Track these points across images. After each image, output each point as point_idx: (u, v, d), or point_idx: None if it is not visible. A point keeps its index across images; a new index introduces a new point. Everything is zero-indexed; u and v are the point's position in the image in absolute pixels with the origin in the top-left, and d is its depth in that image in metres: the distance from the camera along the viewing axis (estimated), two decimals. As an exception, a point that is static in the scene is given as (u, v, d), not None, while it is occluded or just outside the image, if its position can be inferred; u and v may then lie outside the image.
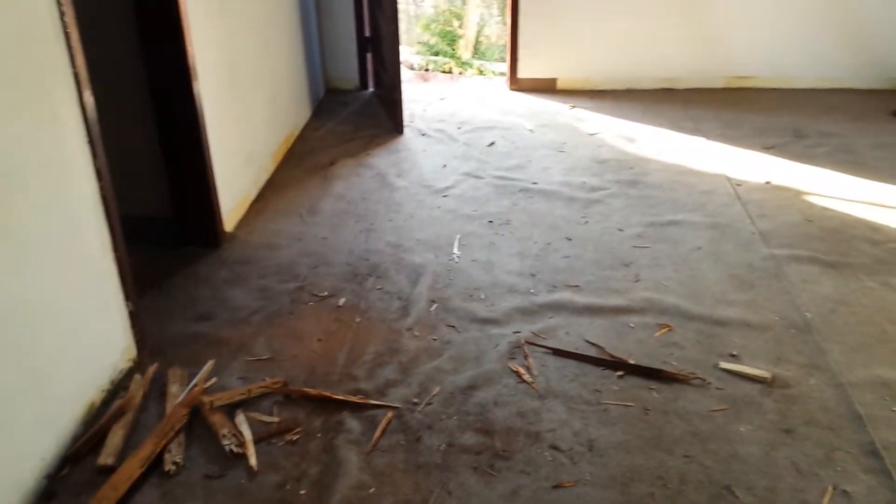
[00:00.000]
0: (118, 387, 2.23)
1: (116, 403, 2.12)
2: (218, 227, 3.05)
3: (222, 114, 3.11)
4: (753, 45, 4.78)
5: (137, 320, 2.36)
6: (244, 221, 3.31)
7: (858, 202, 3.36)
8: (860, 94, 4.78)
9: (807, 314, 2.54)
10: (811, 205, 3.36)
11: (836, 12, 4.62)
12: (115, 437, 2.01)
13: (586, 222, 3.27)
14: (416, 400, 2.18)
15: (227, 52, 3.20)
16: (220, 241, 3.06)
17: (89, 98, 2.09)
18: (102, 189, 2.15)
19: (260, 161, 3.63)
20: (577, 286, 2.76)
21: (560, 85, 5.03)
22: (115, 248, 2.23)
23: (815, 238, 3.05)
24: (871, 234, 3.08)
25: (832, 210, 3.29)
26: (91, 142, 2.10)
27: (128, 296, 2.31)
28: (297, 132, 4.30)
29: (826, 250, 2.95)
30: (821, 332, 2.44)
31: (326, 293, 2.74)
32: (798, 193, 3.47)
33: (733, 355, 2.34)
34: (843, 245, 2.99)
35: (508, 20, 4.90)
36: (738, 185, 3.58)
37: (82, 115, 2.07)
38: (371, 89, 5.08)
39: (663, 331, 2.48)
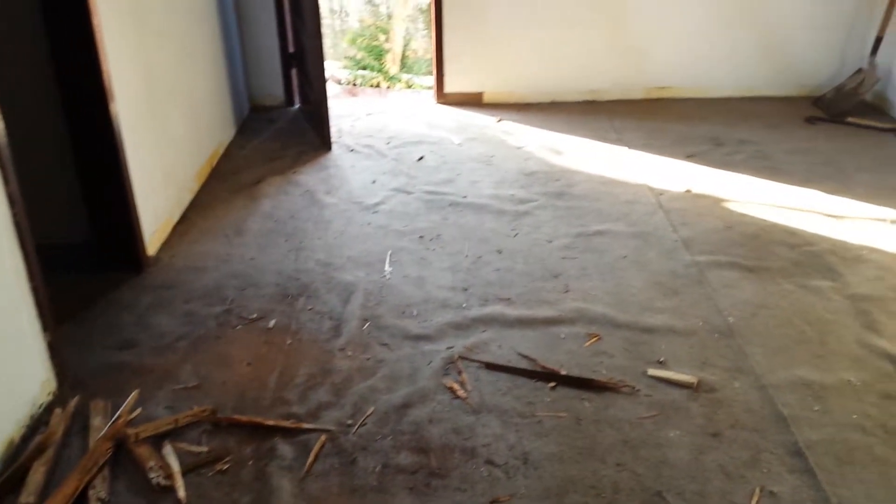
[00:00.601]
0: (38, 422, 2.13)
1: (37, 439, 2.03)
2: (140, 251, 2.95)
3: (141, 134, 3.03)
4: (672, 57, 4.93)
5: (57, 351, 2.26)
6: (168, 244, 3.21)
7: (775, 207, 3.49)
8: (775, 101, 4.98)
9: (729, 319, 2.62)
10: (730, 211, 3.47)
11: (751, 24, 4.81)
12: (37, 475, 1.92)
13: (516, 235, 3.30)
14: (349, 422, 2.15)
15: (145, 71, 3.11)
16: (142, 266, 2.97)
17: (-2, 124, 2.00)
18: (16, 215, 2.06)
19: (183, 181, 3.54)
20: (508, 299, 2.78)
21: (487, 98, 5.08)
22: (31, 277, 2.13)
23: (734, 244, 3.15)
24: (787, 237, 3.20)
25: (750, 216, 3.41)
26: (2, 166, 2.01)
27: (46, 326, 2.21)
28: (221, 150, 4.22)
29: (745, 255, 3.05)
30: (743, 336, 2.52)
31: (255, 315, 2.68)
32: (717, 200, 3.59)
33: (660, 362, 2.39)
34: (761, 250, 3.10)
35: (433, 36, 4.93)
36: (660, 193, 3.68)
37: (-10, 142, 1.98)
38: (297, 105, 5.03)
39: (593, 340, 2.51)
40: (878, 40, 4.56)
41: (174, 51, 3.51)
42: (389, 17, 8.21)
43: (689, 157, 4.11)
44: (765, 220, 3.36)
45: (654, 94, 5.04)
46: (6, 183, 2.03)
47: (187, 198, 3.58)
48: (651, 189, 3.74)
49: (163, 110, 3.31)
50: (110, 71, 2.69)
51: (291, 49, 4.85)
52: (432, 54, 5.04)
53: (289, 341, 2.53)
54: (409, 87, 7.86)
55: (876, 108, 4.73)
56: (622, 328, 2.58)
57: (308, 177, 3.94)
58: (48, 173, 2.88)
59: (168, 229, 3.29)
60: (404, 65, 8.35)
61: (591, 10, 4.77)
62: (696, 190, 3.71)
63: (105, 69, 2.66)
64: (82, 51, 2.62)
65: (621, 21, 4.81)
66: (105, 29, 2.65)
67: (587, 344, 2.50)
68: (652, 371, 2.34)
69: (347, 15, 8.69)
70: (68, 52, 2.65)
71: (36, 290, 2.16)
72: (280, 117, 4.87)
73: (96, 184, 2.87)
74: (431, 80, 5.14)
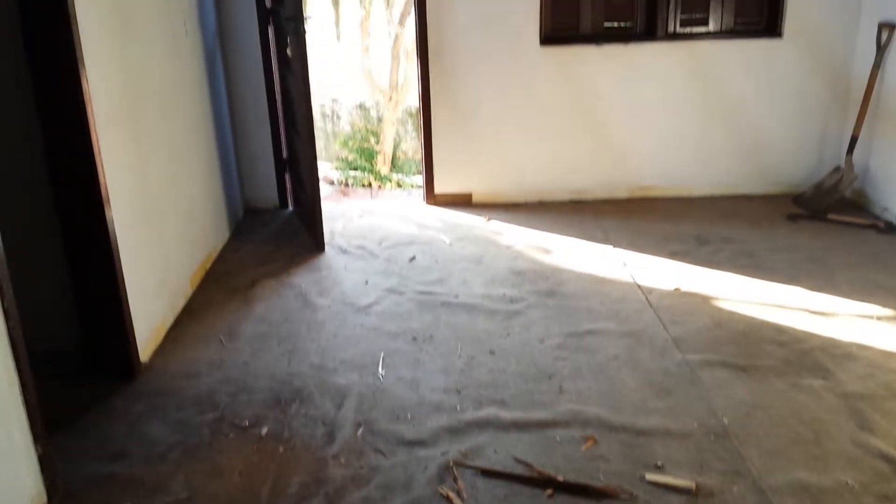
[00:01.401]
0: (23, 540, 2.07)
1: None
2: (133, 359, 2.95)
3: (136, 239, 3.07)
4: (654, 158, 5.09)
5: (48, 464, 2.22)
6: (161, 350, 3.21)
7: (762, 304, 3.54)
8: (756, 199, 5.12)
9: (724, 419, 2.62)
10: (719, 309, 3.52)
11: (728, 126, 5.00)
12: None
13: (508, 335, 3.32)
14: (344, 534, 2.11)
15: (141, 177, 3.19)
16: (135, 373, 2.95)
17: (-4, 234, 2.04)
18: (11, 329, 2.07)
19: (177, 285, 3.57)
20: (502, 401, 2.77)
21: (476, 199, 5.19)
22: (25, 390, 2.12)
23: (725, 342, 3.18)
24: (776, 335, 3.24)
25: (739, 314, 3.46)
26: (-2, 280, 2.04)
27: (37, 438, 2.18)
28: (215, 254, 4.27)
29: (736, 354, 3.08)
30: (738, 438, 2.52)
31: (248, 423, 2.66)
32: (706, 298, 3.64)
33: (658, 466, 2.38)
34: (751, 348, 3.13)
35: (422, 140, 5.09)
36: (649, 292, 3.73)
37: (-11, 250, 2.01)
38: (290, 208, 5.13)
39: (589, 443, 2.50)
40: (854, 139, 4.74)
41: (170, 157, 3.60)
42: (380, 120, 8.48)
43: (675, 255, 4.19)
44: (753, 318, 3.41)
45: (639, 194, 5.18)
46: (2, 297, 2.05)
47: (181, 302, 3.60)
48: (640, 287, 3.79)
49: (158, 215, 3.38)
50: (107, 178, 2.75)
51: (285, 154, 4.99)
52: (421, 158, 5.18)
53: (281, 449, 2.50)
54: (400, 186, 8.04)
55: (855, 205, 4.87)
56: (617, 430, 2.57)
57: (301, 279, 3.98)
58: (40, 278, 2.91)
59: (161, 335, 3.29)
60: (394, 165, 8.57)
61: (574, 115, 4.96)
62: (684, 288, 3.76)
63: (102, 177, 2.71)
64: (80, 159, 2.68)
65: (604, 124, 4.99)
66: (102, 139, 2.73)
67: (583, 447, 2.48)
68: (650, 476, 2.32)
69: (339, 118, 8.97)
70: (66, 160, 2.71)
71: (28, 402, 2.15)
72: (274, 220, 4.95)
73: (90, 290, 2.89)
74: (421, 180, 5.27)
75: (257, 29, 4.65)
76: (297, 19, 3.78)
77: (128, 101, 3.08)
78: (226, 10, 4.61)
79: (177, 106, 3.74)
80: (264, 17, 4.61)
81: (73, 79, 2.61)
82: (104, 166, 2.74)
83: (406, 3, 7.63)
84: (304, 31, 3.79)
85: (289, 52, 4.06)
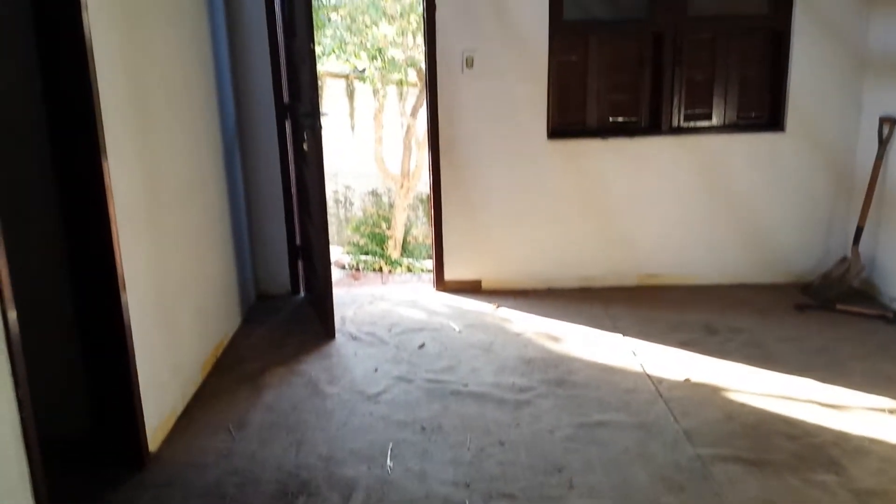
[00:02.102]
0: None
1: None
2: (142, 448, 2.95)
3: (150, 326, 3.13)
4: (661, 247, 5.16)
5: (53, 556, 2.21)
6: (170, 438, 3.21)
7: (772, 396, 3.53)
8: (763, 288, 5.14)
9: (736, 516, 2.58)
10: (729, 401, 3.50)
11: (736, 214, 5.08)
12: None
13: (518, 425, 3.30)
14: None
15: (158, 264, 3.27)
16: (143, 463, 2.95)
17: (13, 317, 2.06)
18: (24, 420, 2.10)
19: (188, 373, 3.60)
20: (511, 495, 2.75)
21: (485, 285, 5.25)
22: (34, 482, 2.13)
23: (736, 435, 3.16)
24: (787, 429, 3.21)
25: (749, 406, 3.44)
26: (14, 369, 2.07)
27: (45, 532, 2.18)
28: (227, 340, 4.31)
29: (748, 448, 3.05)
30: (752, 536, 2.48)
31: (255, 515, 2.64)
32: (716, 389, 3.63)
33: (670, 565, 2.34)
34: (763, 441, 3.10)
35: (432, 228, 5.19)
36: (660, 382, 3.72)
37: (5, 337, 2.04)
38: (302, 294, 5.19)
39: (600, 541, 2.46)
40: (860, 230, 4.80)
41: (186, 246, 3.69)
42: (391, 206, 8.66)
43: (684, 344, 4.20)
44: (764, 411, 3.39)
45: (647, 282, 5.22)
46: (17, 386, 2.08)
47: (191, 390, 3.62)
48: (650, 377, 3.79)
49: (172, 303, 3.44)
50: (124, 266, 2.82)
51: (298, 241, 5.09)
52: (431, 245, 5.27)
53: (288, 544, 2.48)
54: (410, 271, 8.13)
55: (864, 295, 4.89)
56: (628, 527, 2.53)
57: (311, 366, 4.00)
58: (51, 362, 2.94)
59: (171, 424, 3.30)
60: (405, 249, 8.70)
61: (582, 204, 5.06)
62: (694, 378, 3.76)
63: (119, 265, 2.78)
64: (98, 247, 2.76)
65: (612, 214, 5.09)
66: (121, 228, 2.82)
67: (593, 545, 2.44)
68: (661, 576, 2.28)
69: (352, 204, 9.17)
70: (84, 247, 2.79)
71: (37, 492, 2.15)
72: (286, 306, 5.01)
73: (102, 377, 2.92)
74: (431, 264, 5.34)
75: (275, 123, 4.82)
76: (314, 116, 3.93)
77: (147, 193, 3.19)
78: (245, 105, 4.80)
79: (195, 196, 3.86)
80: (282, 112, 4.79)
81: (96, 171, 2.72)
82: (122, 254, 2.82)
83: (418, 97, 7.90)
84: (321, 127, 3.93)
85: (305, 146, 4.20)
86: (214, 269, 4.18)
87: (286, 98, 4.77)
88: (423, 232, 8.84)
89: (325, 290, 4.33)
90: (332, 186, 9.12)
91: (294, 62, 4.42)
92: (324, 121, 4.03)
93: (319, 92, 4.64)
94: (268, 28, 4.65)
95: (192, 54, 3.90)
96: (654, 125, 5.02)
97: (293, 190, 4.97)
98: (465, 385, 3.74)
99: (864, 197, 4.76)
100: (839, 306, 4.65)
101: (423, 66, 5.03)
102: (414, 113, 7.94)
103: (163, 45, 3.46)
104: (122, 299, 2.83)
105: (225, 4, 4.55)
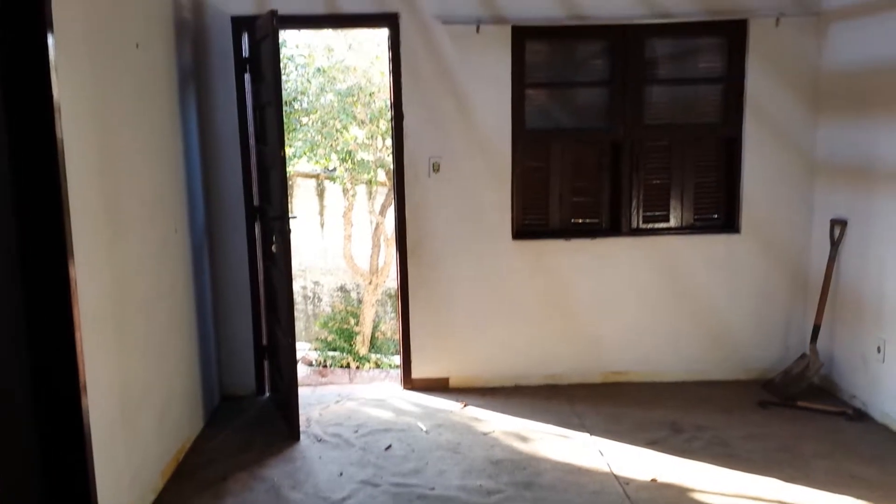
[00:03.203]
0: None
1: None
2: (96, 562, 2.85)
3: (110, 431, 3.08)
4: (626, 343, 5.24)
5: None
6: (126, 550, 3.11)
7: (738, 497, 3.54)
8: (726, 385, 5.21)
9: None
10: (696, 501, 3.50)
11: (697, 313, 5.20)
12: None
13: (484, 531, 3.26)
14: None
15: (120, 367, 3.24)
16: (97, 578, 2.85)
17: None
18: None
19: (147, 479, 3.52)
20: None
21: (452, 383, 5.25)
22: None
23: (702, 538, 3.15)
24: (753, 531, 3.21)
25: (715, 507, 3.44)
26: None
27: None
28: (189, 444, 4.23)
29: (714, 551, 3.04)
30: None
31: None
32: (682, 490, 3.63)
33: None
34: (729, 545, 3.10)
35: (399, 326, 5.22)
36: (626, 483, 3.72)
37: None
38: (268, 394, 5.14)
39: None
40: (816, 328, 4.93)
41: (151, 350, 3.68)
42: (360, 302, 8.70)
43: (651, 444, 4.22)
44: (730, 512, 3.39)
45: (612, 379, 5.27)
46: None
47: (150, 498, 3.53)
48: (617, 478, 3.78)
49: (134, 406, 3.39)
50: (86, 369, 2.80)
51: (265, 341, 5.07)
52: (399, 344, 5.29)
53: None
54: (378, 366, 8.09)
55: (824, 392, 4.98)
56: None
57: (275, 470, 3.93)
58: (6, 467, 2.86)
59: (127, 534, 3.20)
60: (373, 345, 8.67)
61: (547, 303, 5.16)
62: (661, 479, 3.76)
63: (81, 369, 2.76)
64: (62, 351, 2.74)
65: (576, 312, 5.18)
66: (85, 331, 2.81)
67: None
68: None
69: (321, 300, 9.18)
70: (47, 349, 2.77)
71: None
72: (250, 406, 4.95)
73: (58, 482, 2.84)
74: (399, 360, 5.34)
75: (245, 224, 4.89)
76: (283, 219, 4.02)
77: (114, 297, 3.20)
78: (215, 207, 4.88)
79: (162, 300, 3.87)
80: (252, 214, 4.87)
81: (63, 275, 2.74)
82: (85, 358, 2.80)
83: (387, 195, 8.07)
84: (289, 231, 4.01)
85: (273, 248, 4.27)
86: (179, 372, 4.14)
87: (256, 200, 4.86)
88: (391, 327, 8.84)
89: (289, 392, 4.31)
90: (301, 282, 9.15)
91: (265, 166, 4.54)
92: (293, 223, 4.12)
93: (290, 192, 4.73)
94: (240, 133, 4.78)
95: (164, 158, 4.00)
96: (615, 227, 5.19)
97: (261, 290, 5.00)
98: (432, 489, 3.70)
99: (819, 296, 4.92)
100: (800, 403, 4.73)
101: (392, 168, 5.18)
102: (383, 211, 8.11)
103: (135, 150, 3.55)
104: (83, 403, 2.80)
105: (198, 110, 4.69)
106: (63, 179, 2.72)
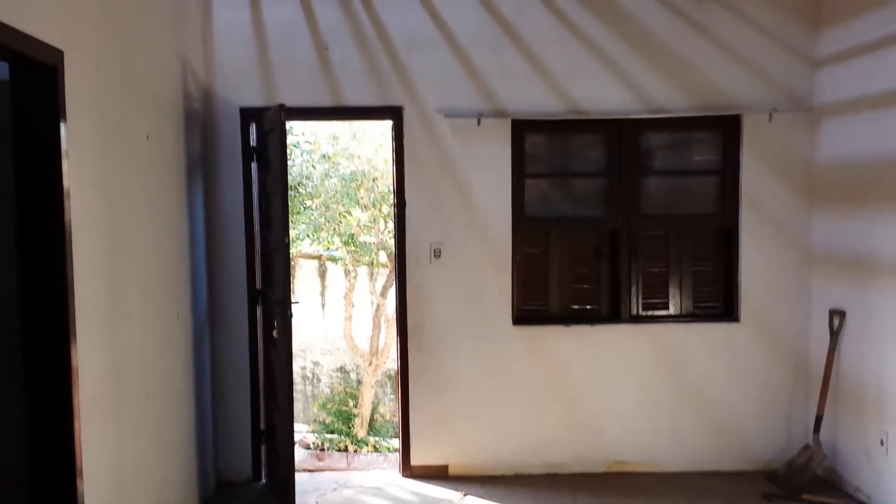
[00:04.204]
0: None
1: None
2: None
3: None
4: (628, 432, 5.18)
5: None
6: None
7: None
8: (729, 476, 5.12)
9: None
10: None
11: (699, 402, 5.17)
12: None
13: None
14: None
15: (117, 452, 3.21)
16: None
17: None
18: None
19: (138, 572, 3.44)
20: None
21: (452, 470, 5.17)
22: None
23: None
24: None
25: None
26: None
27: None
28: (182, 533, 4.15)
29: None
30: None
31: None
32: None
33: None
34: None
35: (399, 411, 5.18)
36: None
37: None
38: (264, 480, 5.05)
39: None
40: (819, 418, 4.88)
41: (148, 436, 3.65)
42: (359, 383, 8.63)
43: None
44: None
45: (614, 468, 5.19)
46: None
47: (140, 592, 3.45)
48: (618, 576, 3.69)
49: (129, 493, 3.34)
50: (83, 455, 2.78)
51: (263, 425, 5.03)
52: (398, 429, 5.24)
53: None
54: (377, 450, 7.96)
55: (829, 484, 4.89)
56: None
57: (268, 563, 3.84)
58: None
59: None
60: (372, 427, 8.55)
61: (547, 390, 5.14)
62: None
63: (78, 452, 2.75)
64: (59, 435, 2.73)
65: (577, 400, 5.15)
66: (84, 417, 2.81)
67: None
68: None
69: (319, 381, 9.11)
70: (44, 433, 2.75)
71: None
72: (246, 493, 4.86)
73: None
74: (398, 443, 5.28)
75: (247, 308, 4.93)
76: (285, 304, 4.05)
77: (114, 381, 3.20)
78: (218, 290, 4.92)
79: (161, 384, 3.87)
80: (254, 297, 4.91)
81: (64, 359, 2.75)
82: (82, 443, 2.79)
83: (388, 277, 8.12)
84: (291, 315, 4.05)
85: (274, 333, 4.29)
86: (175, 457, 4.10)
87: (259, 284, 4.91)
88: (390, 409, 8.74)
89: (287, 480, 4.25)
90: (301, 362, 9.11)
91: (268, 251, 4.61)
92: (294, 308, 4.15)
93: (292, 272, 4.79)
94: (245, 219, 4.87)
95: (170, 244, 4.07)
96: (615, 313, 5.21)
97: (260, 373, 4.99)
98: (429, 584, 3.60)
99: (820, 386, 4.90)
100: (805, 496, 4.64)
101: (394, 254, 5.25)
102: (384, 293, 8.14)
103: (142, 236, 3.62)
104: (79, 488, 2.77)
105: (205, 196, 4.80)
106: (69, 264, 2.77)
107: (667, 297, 5.24)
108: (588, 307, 5.27)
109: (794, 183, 5.10)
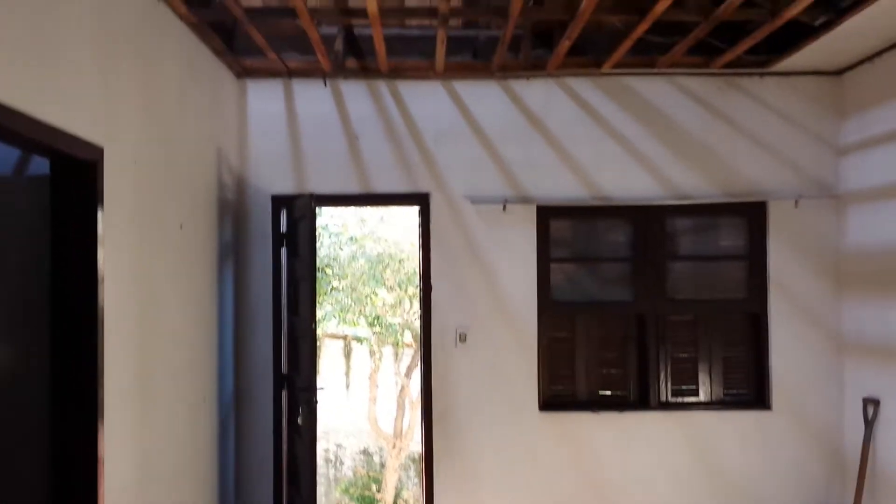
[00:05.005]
0: None
1: None
2: None
3: None
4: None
5: None
6: None
7: None
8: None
9: None
10: None
11: (730, 492, 4.99)
12: None
13: None
14: None
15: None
16: None
17: None
18: None
19: None
20: None
21: (477, 562, 5.02)
22: None
23: None
24: None
25: None
26: None
27: None
28: None
29: None
30: None
31: None
32: None
33: None
34: None
35: (423, 498, 5.08)
36: None
37: None
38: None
39: None
40: (857, 514, 4.71)
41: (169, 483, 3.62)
42: (382, 466, 8.51)
43: None
44: None
45: (646, 564, 5.01)
46: None
47: None
48: None
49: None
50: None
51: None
52: (423, 518, 5.13)
53: None
54: (399, 538, 7.78)
55: (872, 583, 4.67)
56: None
57: None
58: None
59: None
60: (395, 513, 8.38)
61: (575, 477, 5.00)
62: None
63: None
64: None
65: (605, 488, 5.01)
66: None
67: None
68: None
69: (342, 464, 8.99)
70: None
71: None
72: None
73: None
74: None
75: (272, 393, 4.93)
76: (311, 391, 4.05)
77: (140, 466, 3.21)
78: (244, 374, 4.94)
79: (187, 473, 3.86)
80: (279, 382, 4.92)
81: (91, 448, 2.78)
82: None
83: (413, 357, 8.11)
84: (316, 402, 4.04)
85: (299, 420, 4.28)
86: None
87: (285, 368, 4.92)
88: (414, 494, 8.57)
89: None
90: (324, 444, 9.02)
91: (295, 336, 4.63)
92: (319, 394, 4.15)
93: (317, 351, 4.80)
94: (273, 303, 4.91)
95: (199, 329, 4.12)
96: (643, 400, 5.12)
97: (284, 458, 4.94)
98: None
99: (857, 477, 4.74)
100: None
101: (420, 338, 5.25)
102: (408, 373, 8.12)
103: (172, 321, 3.68)
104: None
105: (235, 281, 4.88)
106: (101, 348, 2.82)
107: (696, 383, 5.15)
108: (616, 393, 5.19)
109: (821, 268, 5.06)
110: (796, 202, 5.00)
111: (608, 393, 5.19)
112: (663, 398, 5.13)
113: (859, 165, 4.88)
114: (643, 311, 5.13)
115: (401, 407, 8.19)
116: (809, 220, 5.04)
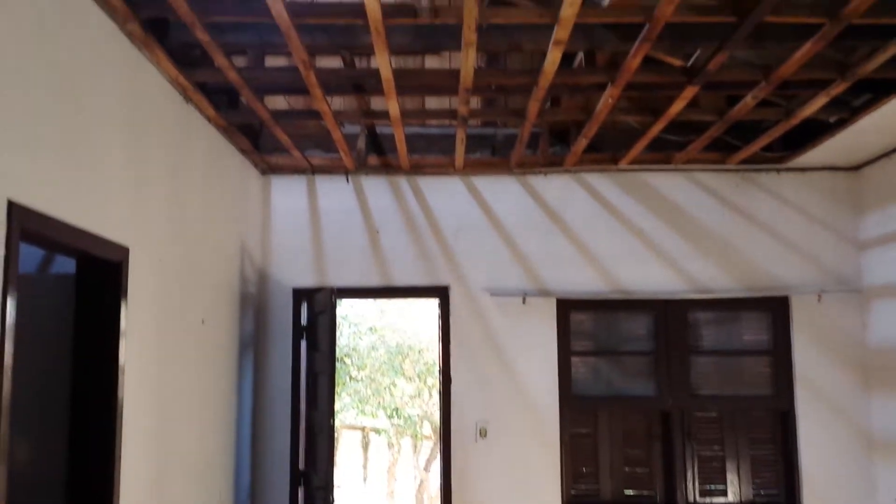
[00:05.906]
0: None
1: None
2: None
3: None
4: None
5: None
6: None
7: None
8: None
9: None
10: None
11: None
12: None
13: None
14: None
15: None
16: None
17: None
18: None
19: None
20: None
21: None
22: None
23: None
24: None
25: None
26: None
27: None
28: None
29: None
30: None
31: None
32: None
33: None
34: None
35: None
36: None
37: None
38: None
39: None
40: None
41: None
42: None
43: None
44: None
45: None
46: None
47: None
48: None
49: None
50: None
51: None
52: None
53: None
54: None
55: None
56: None
57: None
58: None
59: None
60: None
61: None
62: None
63: None
64: None
65: None
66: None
67: None
68: None
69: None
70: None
71: None
72: None
73: None
74: None
75: (288, 489, 4.81)
76: (327, 489, 3.98)
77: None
78: (260, 469, 4.83)
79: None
80: (296, 478, 4.81)
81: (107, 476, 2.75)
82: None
83: (432, 450, 7.95)
84: (333, 501, 3.96)
85: (316, 519, 4.18)
86: None
87: (302, 464, 4.84)
88: None
89: None
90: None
91: (313, 432, 4.58)
92: (336, 494, 4.06)
93: (335, 444, 4.73)
94: (292, 396, 4.87)
95: (217, 425, 4.09)
96: (670, 500, 4.95)
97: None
98: None
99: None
100: None
101: (439, 433, 5.16)
102: (427, 466, 7.94)
103: (190, 416, 3.66)
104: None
105: (254, 374, 4.86)
106: (118, 443, 2.80)
107: (725, 482, 4.98)
108: (641, 493, 5.03)
109: (848, 364, 4.95)
110: (819, 296, 4.95)
111: (632, 493, 5.04)
112: (691, 498, 4.96)
113: (882, 260, 4.84)
114: (667, 406, 5.02)
115: (420, 503, 7.98)
116: (833, 314, 4.98)
